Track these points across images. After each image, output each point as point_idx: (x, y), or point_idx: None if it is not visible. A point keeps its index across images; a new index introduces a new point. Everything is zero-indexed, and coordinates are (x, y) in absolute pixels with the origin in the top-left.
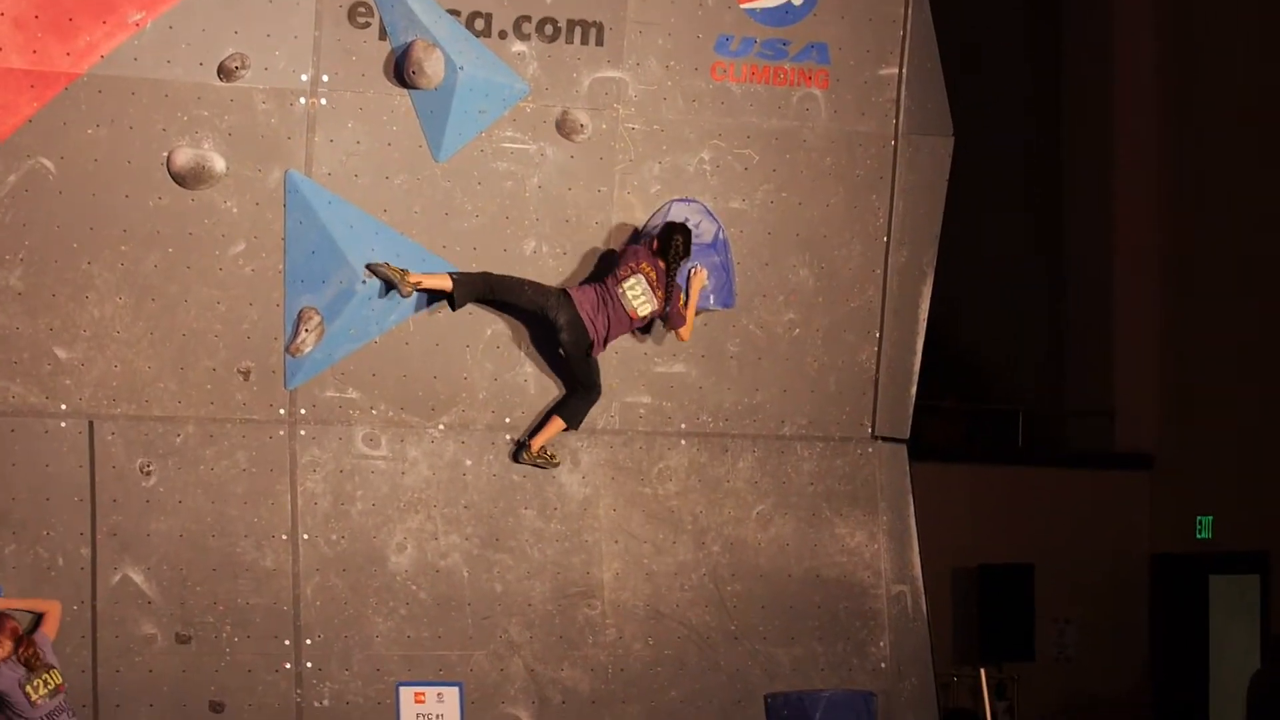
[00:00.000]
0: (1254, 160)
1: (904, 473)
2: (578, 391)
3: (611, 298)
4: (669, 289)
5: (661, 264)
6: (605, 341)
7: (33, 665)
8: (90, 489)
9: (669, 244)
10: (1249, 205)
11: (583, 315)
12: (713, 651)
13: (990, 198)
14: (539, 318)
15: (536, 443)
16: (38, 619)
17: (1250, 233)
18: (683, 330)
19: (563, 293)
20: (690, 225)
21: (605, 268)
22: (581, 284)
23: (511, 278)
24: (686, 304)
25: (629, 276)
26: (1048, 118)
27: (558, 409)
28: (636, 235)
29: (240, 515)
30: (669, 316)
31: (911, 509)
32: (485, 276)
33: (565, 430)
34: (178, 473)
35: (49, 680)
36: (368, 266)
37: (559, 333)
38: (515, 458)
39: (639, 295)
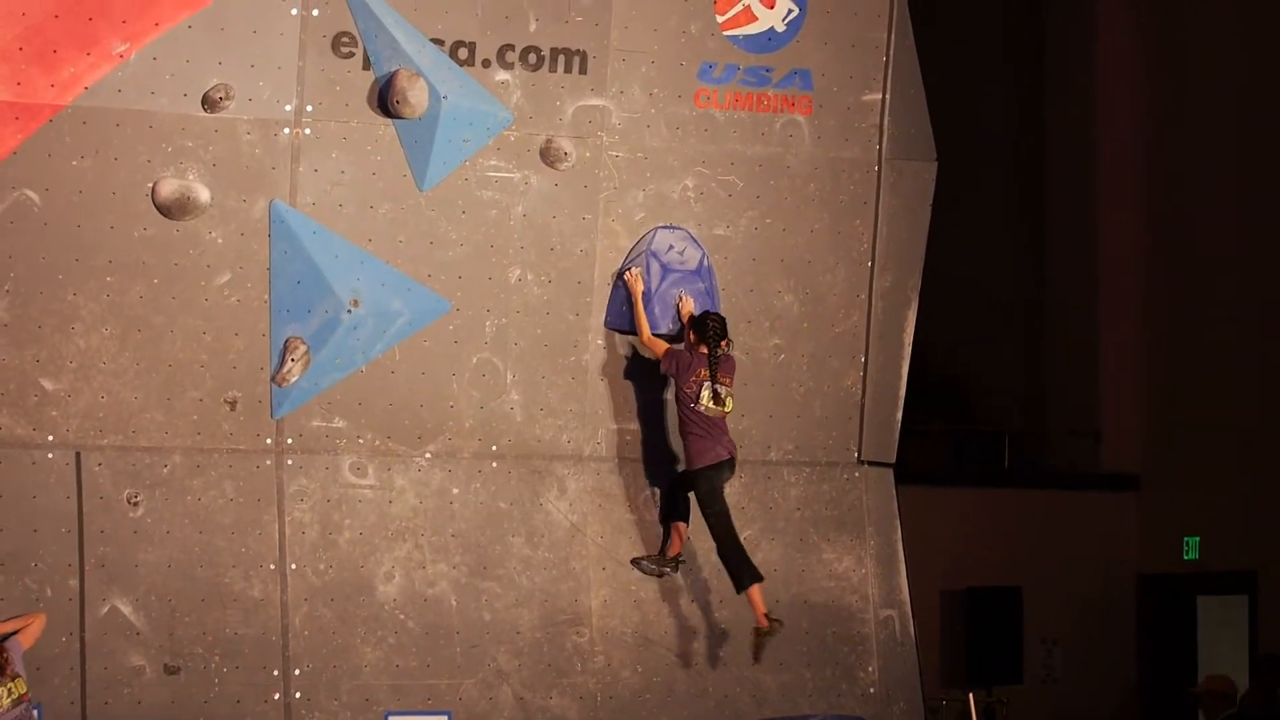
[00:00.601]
0: (1238, 178)
1: (890, 497)
2: (722, 533)
3: (701, 420)
4: (725, 366)
5: (705, 350)
6: (730, 448)
7: (1, 672)
8: (78, 520)
9: (704, 329)
10: (1233, 226)
11: (710, 457)
12: (701, 678)
13: (973, 221)
14: None
15: (760, 612)
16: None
17: (1235, 252)
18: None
19: (721, 464)
20: (675, 251)
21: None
22: (690, 444)
23: (729, 518)
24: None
25: (698, 391)
26: (1030, 142)
27: (751, 579)
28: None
29: (228, 545)
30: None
31: (899, 533)
32: (734, 535)
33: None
34: (165, 503)
35: (13, 690)
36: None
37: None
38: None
39: (712, 398)
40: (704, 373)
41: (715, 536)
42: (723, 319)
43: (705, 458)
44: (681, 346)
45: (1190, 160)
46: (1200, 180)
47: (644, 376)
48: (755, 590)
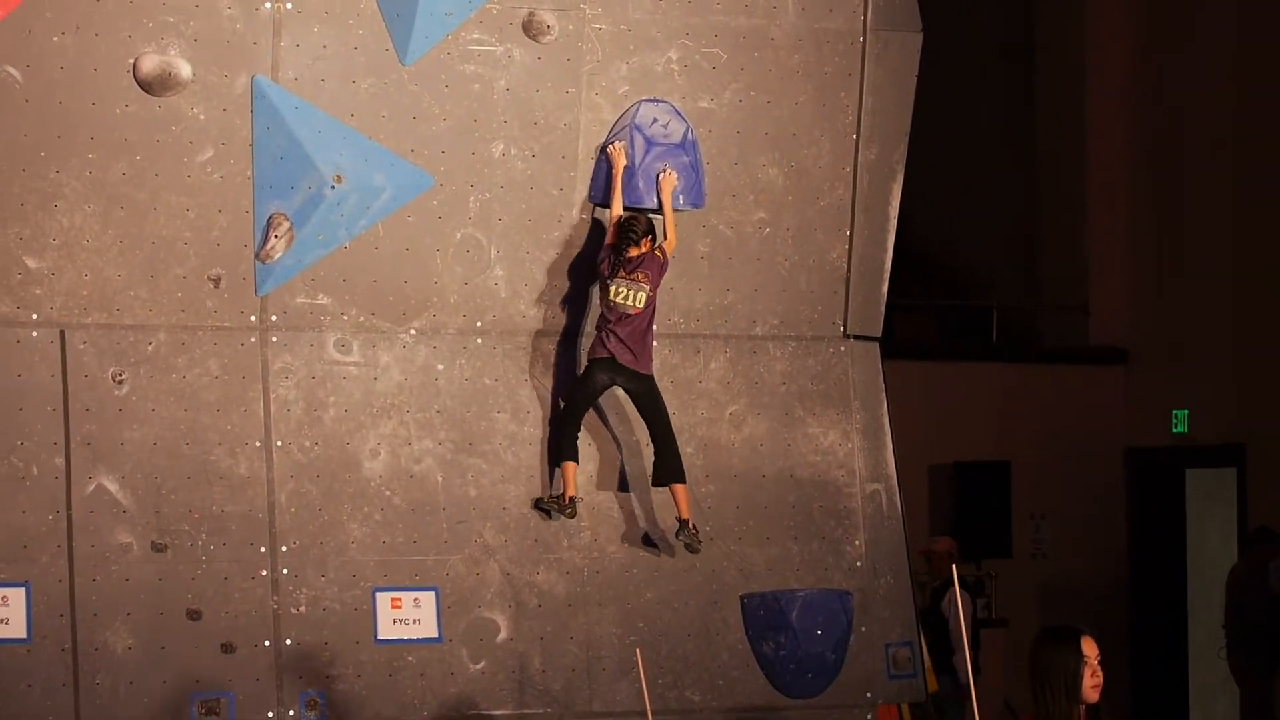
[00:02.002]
0: (1230, 55)
1: (877, 371)
2: (663, 443)
3: (613, 315)
4: (641, 264)
5: (630, 251)
6: (637, 353)
7: None
8: (63, 398)
9: (627, 231)
10: (1224, 100)
11: (611, 354)
12: (687, 553)
13: (961, 93)
14: (609, 392)
15: (687, 515)
16: None
17: (1222, 123)
18: (667, 244)
19: (594, 362)
20: (659, 125)
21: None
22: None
23: (577, 408)
24: (662, 210)
25: (605, 284)
26: (1021, 18)
27: (671, 479)
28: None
29: (213, 423)
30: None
31: (885, 407)
32: (568, 422)
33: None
34: (150, 381)
35: None
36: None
37: (625, 390)
38: (678, 538)
39: (627, 294)
40: (604, 267)
41: (557, 410)
42: (650, 220)
43: (593, 350)
44: (605, 249)
45: (1179, 39)
46: (1190, 58)
47: None
48: (680, 489)
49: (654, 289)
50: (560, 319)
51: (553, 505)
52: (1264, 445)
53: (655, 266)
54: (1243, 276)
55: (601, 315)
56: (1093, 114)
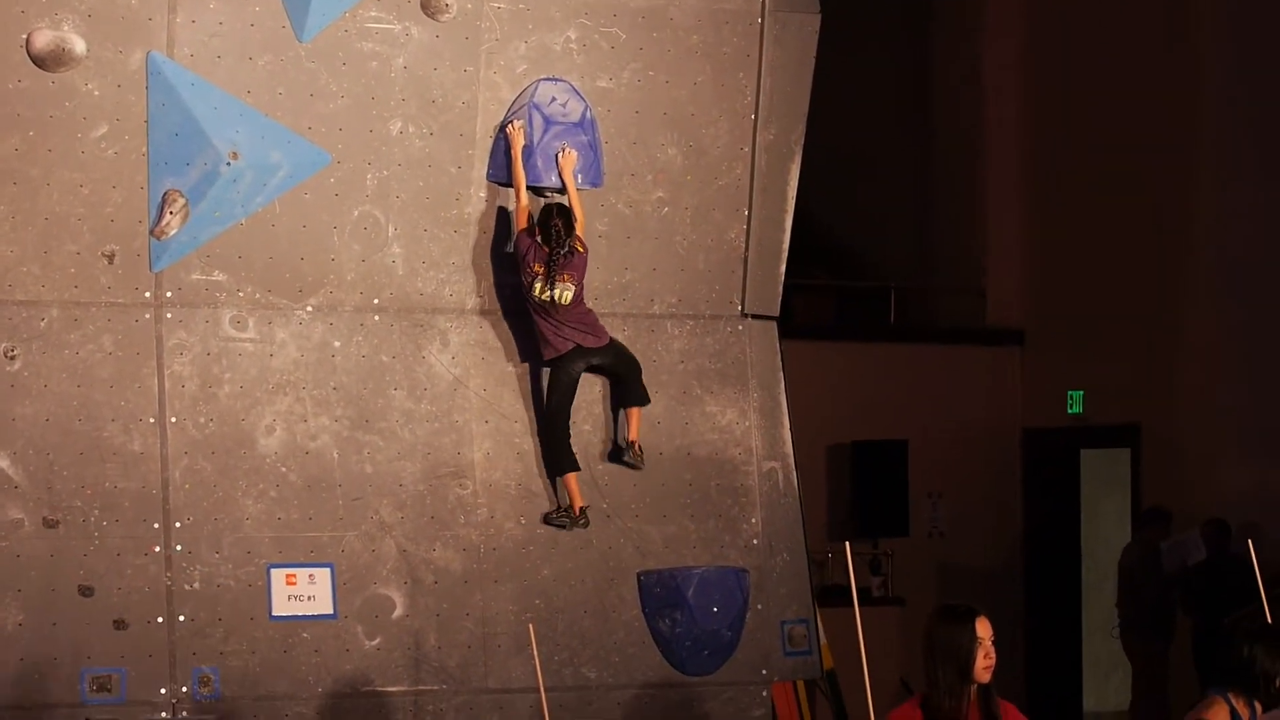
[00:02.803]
0: (1118, 40)
1: (774, 350)
2: (627, 375)
3: (543, 313)
4: (566, 264)
5: (547, 250)
6: (591, 329)
7: None
8: None
9: (548, 230)
10: (1113, 87)
11: (576, 344)
12: (584, 530)
13: (859, 75)
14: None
15: (635, 439)
16: None
17: (1114, 113)
18: (578, 226)
19: (560, 360)
20: (557, 104)
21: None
22: (537, 331)
23: (562, 412)
24: (565, 189)
25: (532, 281)
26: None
27: (626, 401)
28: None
29: (107, 399)
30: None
31: (782, 386)
32: (558, 427)
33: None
34: (42, 357)
35: None
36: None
37: (600, 368)
38: (623, 460)
39: (558, 293)
40: (538, 268)
41: (541, 418)
42: (568, 214)
43: (549, 349)
44: (529, 240)
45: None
46: (1082, 42)
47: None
48: (635, 411)
49: (579, 282)
50: (457, 296)
51: (564, 519)
52: (1158, 426)
53: (579, 264)
54: (1137, 259)
55: (538, 311)
56: (989, 97)
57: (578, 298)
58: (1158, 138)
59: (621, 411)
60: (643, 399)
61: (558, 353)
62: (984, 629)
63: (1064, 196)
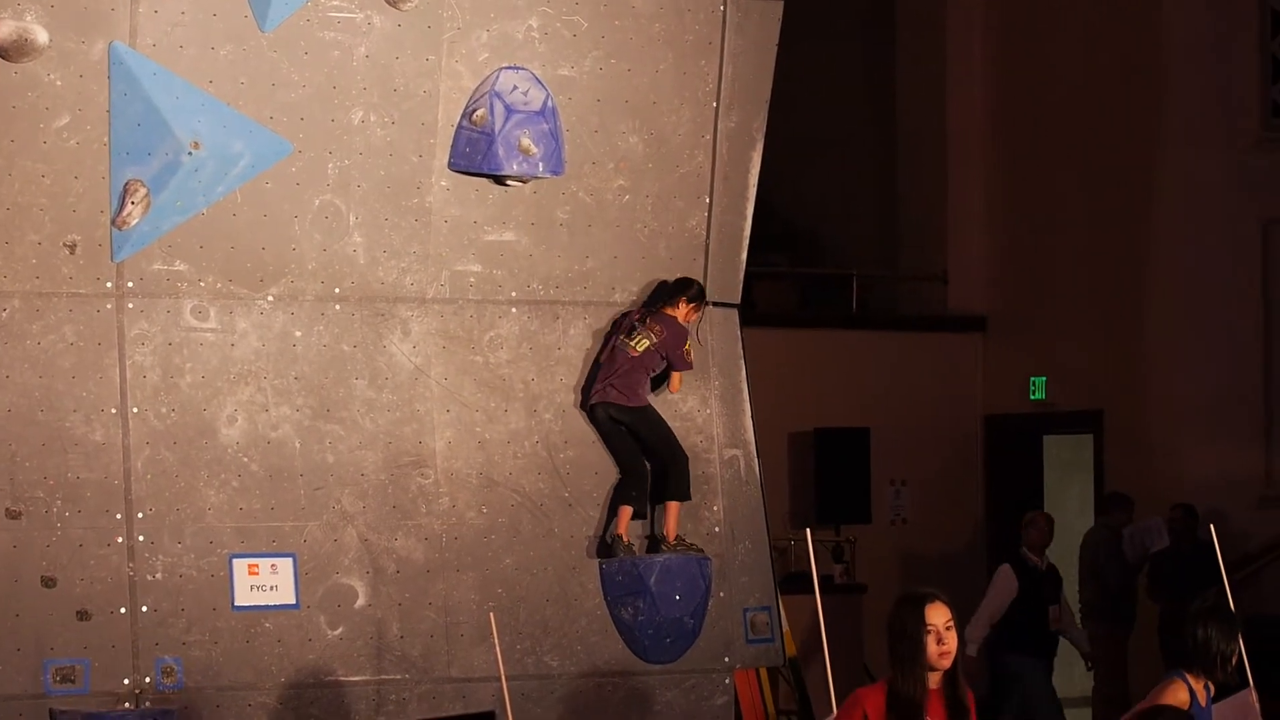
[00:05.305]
0: (1082, 27)
1: (736, 337)
2: (668, 465)
3: (609, 357)
4: (662, 322)
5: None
6: (622, 389)
7: None
8: None
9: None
10: (1077, 73)
11: (593, 393)
12: (547, 519)
13: (822, 62)
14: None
15: (671, 533)
16: None
17: (1078, 100)
18: (687, 354)
19: (589, 407)
20: (519, 92)
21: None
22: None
23: (636, 449)
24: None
25: (628, 328)
26: None
27: (663, 493)
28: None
29: (68, 390)
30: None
31: (744, 373)
32: (639, 474)
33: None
34: (4, 348)
35: None
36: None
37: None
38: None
39: (635, 340)
40: (637, 315)
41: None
42: (698, 289)
43: (588, 393)
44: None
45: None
46: (1044, 30)
47: (489, 218)
48: (673, 506)
49: (659, 346)
50: (418, 285)
51: (618, 544)
52: (1120, 412)
53: (674, 331)
54: (1098, 245)
55: (606, 353)
56: (952, 85)
57: (648, 356)
58: (1122, 124)
59: (660, 506)
60: (682, 494)
61: (591, 400)
62: (937, 615)
63: (1026, 184)
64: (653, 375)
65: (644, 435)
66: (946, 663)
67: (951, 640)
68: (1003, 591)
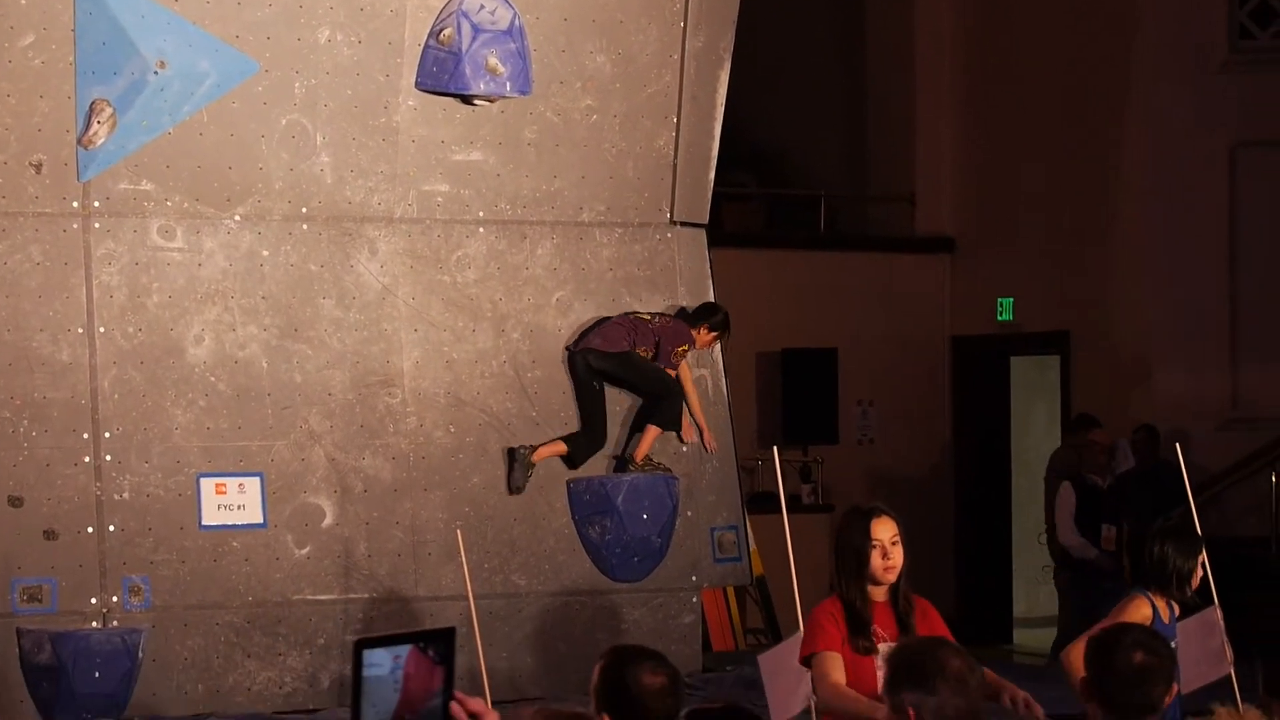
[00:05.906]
0: None
1: (703, 258)
2: (661, 398)
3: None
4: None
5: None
6: (596, 338)
7: None
8: None
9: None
10: None
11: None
12: (514, 438)
13: None
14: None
15: (641, 455)
16: None
17: (1046, 20)
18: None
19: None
20: (486, 11)
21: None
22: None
23: (600, 409)
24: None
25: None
26: None
27: (644, 416)
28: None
29: (35, 309)
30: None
31: (711, 294)
32: (593, 433)
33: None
34: None
35: None
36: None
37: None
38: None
39: (648, 314)
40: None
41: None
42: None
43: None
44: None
45: None
46: None
47: (457, 137)
48: (651, 429)
49: (658, 329)
50: (385, 205)
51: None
52: (1087, 333)
53: (679, 329)
54: (1067, 167)
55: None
56: (921, 5)
57: (643, 326)
58: (1091, 45)
59: (638, 432)
60: (666, 423)
61: (574, 348)
62: (882, 529)
63: (995, 104)
64: (635, 350)
65: (632, 380)
66: (891, 577)
67: (897, 555)
68: (1063, 507)
